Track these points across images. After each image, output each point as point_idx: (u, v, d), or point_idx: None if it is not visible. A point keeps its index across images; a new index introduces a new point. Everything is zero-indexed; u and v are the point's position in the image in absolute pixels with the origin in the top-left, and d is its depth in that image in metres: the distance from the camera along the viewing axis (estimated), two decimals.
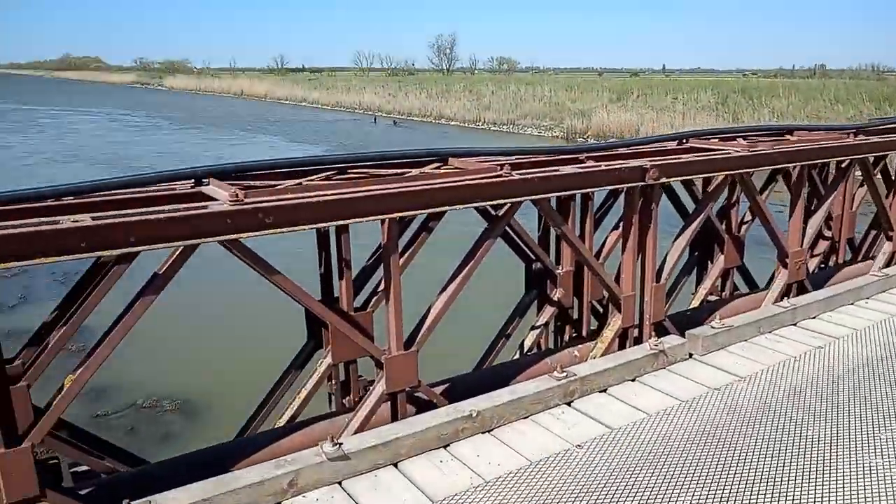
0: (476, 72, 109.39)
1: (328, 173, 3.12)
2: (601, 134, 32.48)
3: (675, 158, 3.94)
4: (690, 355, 4.00)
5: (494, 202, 3.16)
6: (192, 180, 2.86)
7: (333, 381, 3.66)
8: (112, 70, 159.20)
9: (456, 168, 3.35)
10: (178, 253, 2.44)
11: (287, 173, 3.07)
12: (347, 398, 3.67)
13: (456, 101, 45.86)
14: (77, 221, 2.19)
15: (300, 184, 2.83)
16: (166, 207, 2.40)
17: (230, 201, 2.46)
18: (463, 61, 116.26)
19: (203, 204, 2.49)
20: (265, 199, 2.54)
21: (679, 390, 3.59)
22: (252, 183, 2.85)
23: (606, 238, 4.30)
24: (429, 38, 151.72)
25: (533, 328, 4.37)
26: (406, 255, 3.31)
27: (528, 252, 4.15)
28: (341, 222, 2.76)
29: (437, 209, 2.98)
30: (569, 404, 3.39)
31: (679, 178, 3.96)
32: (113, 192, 2.65)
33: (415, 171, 3.22)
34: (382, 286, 3.49)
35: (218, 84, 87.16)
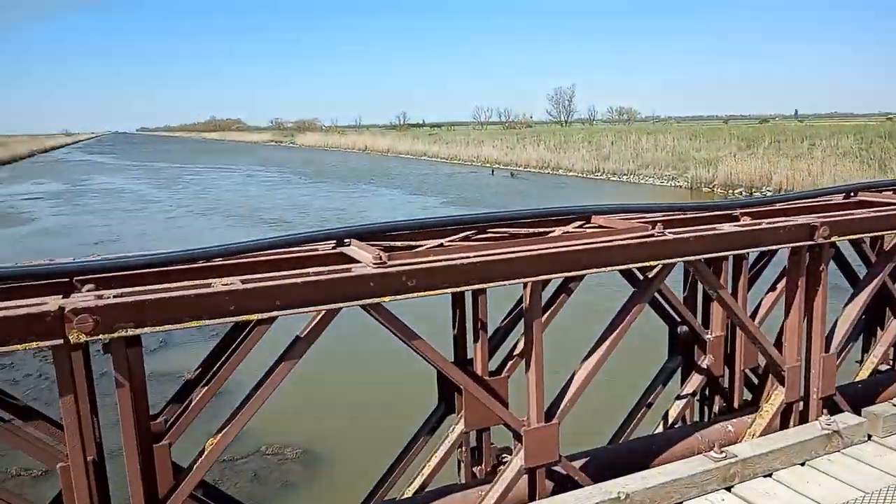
0: (594, 122, 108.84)
1: (467, 233, 3.01)
2: (728, 184, 30.98)
3: (846, 214, 3.51)
4: (869, 437, 3.49)
5: (645, 264, 2.92)
6: (334, 241, 2.84)
7: (464, 448, 3.47)
8: (251, 130, 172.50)
9: (600, 227, 3.15)
10: (321, 317, 2.39)
11: (426, 233, 2.99)
12: (479, 468, 3.46)
13: (574, 152, 45.59)
14: (227, 285, 2.19)
15: (441, 245, 2.73)
16: (310, 270, 2.37)
17: (373, 264, 2.40)
18: (581, 112, 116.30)
19: (346, 266, 2.44)
20: (408, 261, 2.47)
21: (860, 480, 3.11)
22: (392, 244, 2.79)
23: (761, 300, 3.90)
24: (547, 90, 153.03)
25: (678, 398, 4.00)
26: (544, 317, 3.11)
27: (674, 314, 3.82)
28: (484, 286, 2.62)
29: (583, 272, 2.78)
30: (728, 489, 3.01)
31: (852, 237, 3.52)
32: (257, 253, 2.67)
33: (557, 231, 3.05)
34: (518, 350, 3.31)
35: (343, 140, 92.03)
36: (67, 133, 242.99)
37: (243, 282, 2.22)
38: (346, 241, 2.81)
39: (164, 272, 2.49)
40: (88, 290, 2.29)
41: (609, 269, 2.81)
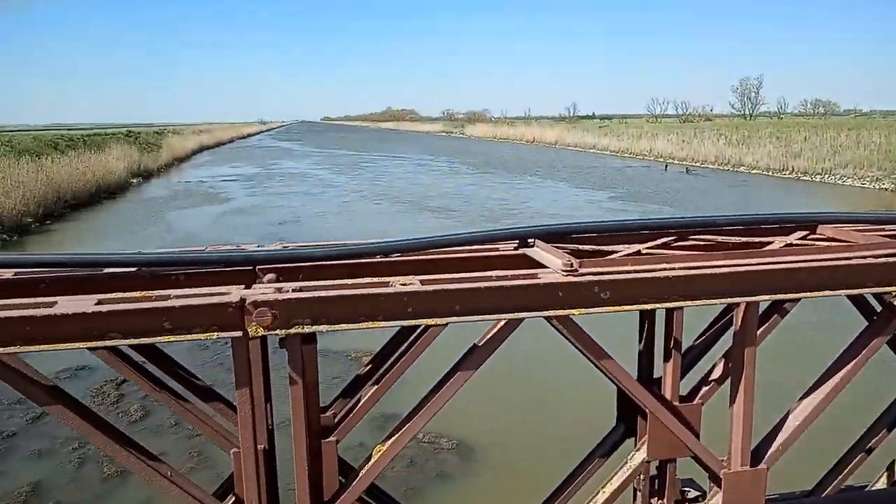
0: (783, 116, 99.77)
1: (666, 239, 2.66)
2: None
3: None
4: None
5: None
6: (517, 241, 2.62)
7: (643, 477, 3.11)
8: (423, 120, 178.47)
9: (831, 239, 2.64)
10: (501, 325, 2.18)
11: (619, 237, 2.69)
12: (659, 502, 3.08)
13: (759, 147, 42.03)
14: (406, 285, 2.05)
15: (638, 252, 2.40)
16: (493, 274, 2.16)
17: (563, 270, 2.15)
18: (770, 105, 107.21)
19: (531, 272, 2.21)
20: (602, 269, 2.18)
21: None
22: (581, 247, 2.52)
23: None
24: (731, 82, 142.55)
25: None
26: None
27: None
28: (690, 303, 2.25)
29: (813, 294, 2.31)
30: None
31: None
32: (436, 251, 2.54)
33: (776, 243, 2.59)
34: (715, 374, 2.88)
35: (512, 131, 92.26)
36: (262, 121, 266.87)
37: (423, 283, 2.07)
38: (529, 241, 2.59)
39: (343, 265, 2.44)
40: (269, 281, 2.29)
41: (848, 291, 2.33)
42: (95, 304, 1.83)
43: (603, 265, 2.22)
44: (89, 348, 1.85)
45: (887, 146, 34.70)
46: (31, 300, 1.88)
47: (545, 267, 2.27)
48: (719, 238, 2.71)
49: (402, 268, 2.42)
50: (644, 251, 2.46)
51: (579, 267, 2.15)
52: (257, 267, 2.35)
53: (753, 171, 39.85)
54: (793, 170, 37.33)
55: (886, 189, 30.43)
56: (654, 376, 2.96)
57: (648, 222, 2.78)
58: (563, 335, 2.22)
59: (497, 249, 2.61)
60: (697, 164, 44.74)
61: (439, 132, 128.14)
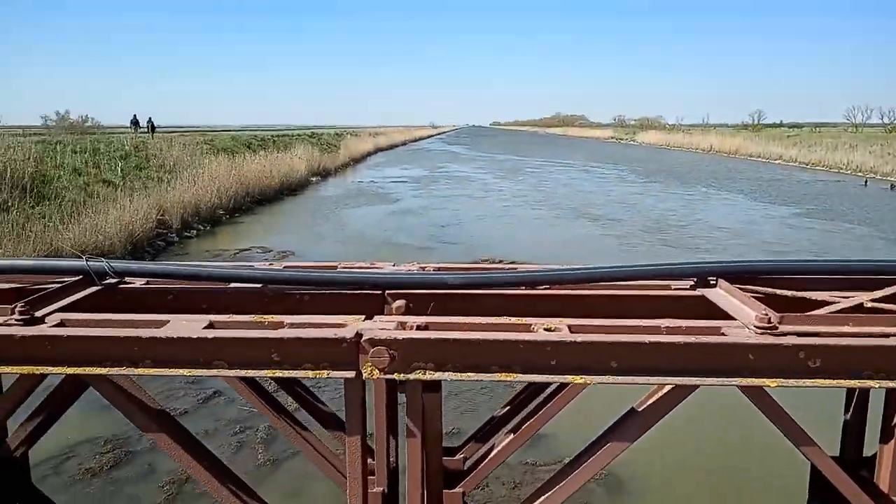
0: None
1: (893, 289, 2.05)
2: None
3: None
4: None
5: None
6: (693, 279, 2.18)
7: None
8: (592, 126, 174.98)
9: None
10: (669, 390, 1.75)
11: (825, 282, 2.15)
12: None
13: None
14: (552, 331, 1.71)
15: (861, 306, 1.85)
16: (662, 324, 1.74)
17: (758, 327, 1.68)
18: None
19: (713, 324, 1.76)
20: (810, 328, 1.68)
21: None
22: (776, 292, 2.02)
23: None
24: None
25: None
26: None
27: None
28: None
29: None
30: None
31: None
32: (592, 285, 2.17)
33: None
34: None
35: (687, 139, 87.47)
36: (433, 125, 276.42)
37: (572, 329, 1.71)
38: (710, 280, 2.14)
39: (481, 296, 2.16)
40: (398, 309, 2.10)
41: None
42: (205, 328, 1.69)
43: (811, 322, 1.71)
44: (195, 375, 1.72)
45: None
46: (146, 317, 1.79)
47: (731, 318, 1.81)
48: None
49: (550, 304, 2.09)
50: (868, 304, 1.89)
51: (779, 323, 1.66)
52: (386, 292, 2.15)
53: None
54: None
55: None
56: (863, 455, 2.37)
57: (868, 264, 2.19)
58: (753, 404, 1.75)
59: (668, 287, 2.19)
60: None
61: (609, 138, 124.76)
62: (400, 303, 2.12)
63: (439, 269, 2.44)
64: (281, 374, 1.66)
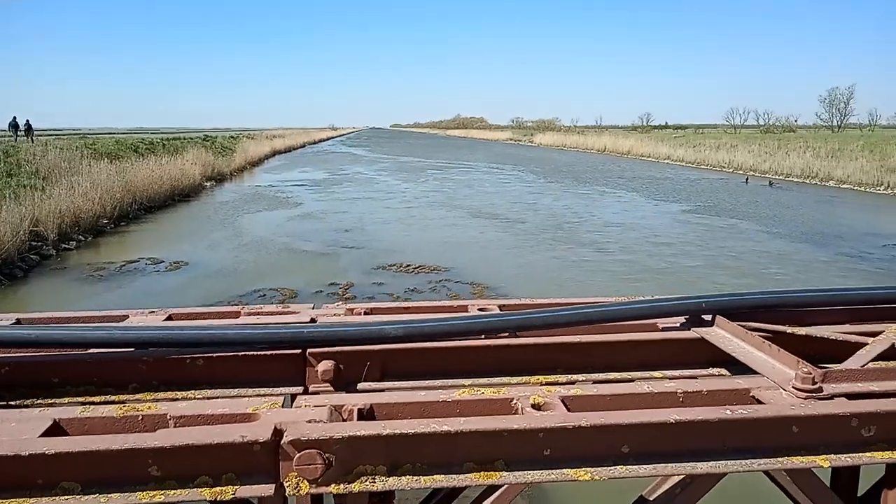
0: (875, 128, 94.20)
1: None
2: None
3: None
4: None
5: None
6: (684, 316, 1.87)
7: None
8: (492, 128, 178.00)
9: None
10: (694, 477, 1.43)
11: (836, 315, 1.90)
12: None
13: (851, 161, 39.44)
14: (541, 409, 1.34)
15: (892, 347, 1.61)
16: (677, 389, 1.42)
17: (800, 389, 1.38)
18: (860, 116, 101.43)
19: (739, 385, 1.44)
20: (860, 386, 1.40)
21: None
22: (784, 329, 1.73)
23: None
24: (819, 91, 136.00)
25: None
26: None
27: None
28: None
29: None
30: None
31: None
32: (565, 330, 1.76)
33: None
34: None
35: (582, 140, 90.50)
36: (333, 127, 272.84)
37: (567, 403, 1.37)
38: (705, 316, 1.84)
39: (433, 349, 1.67)
40: (325, 375, 1.60)
41: None
42: (44, 433, 1.21)
43: (858, 377, 1.41)
44: None
45: None
46: None
47: (749, 370, 1.49)
48: None
49: (521, 355, 1.69)
50: None
51: (822, 381, 1.36)
52: (308, 352, 1.64)
53: (843, 186, 37.40)
54: (888, 185, 34.80)
55: None
56: None
57: (872, 293, 1.91)
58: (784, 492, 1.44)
59: (656, 327, 1.85)
60: (781, 177, 42.41)
61: (508, 140, 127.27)
62: (327, 365, 1.63)
63: (373, 310, 2.00)
64: (163, 499, 1.14)
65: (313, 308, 1.98)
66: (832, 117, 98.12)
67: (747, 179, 41.79)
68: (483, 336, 1.69)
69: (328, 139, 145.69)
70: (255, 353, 1.63)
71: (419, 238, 20.61)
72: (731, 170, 49.23)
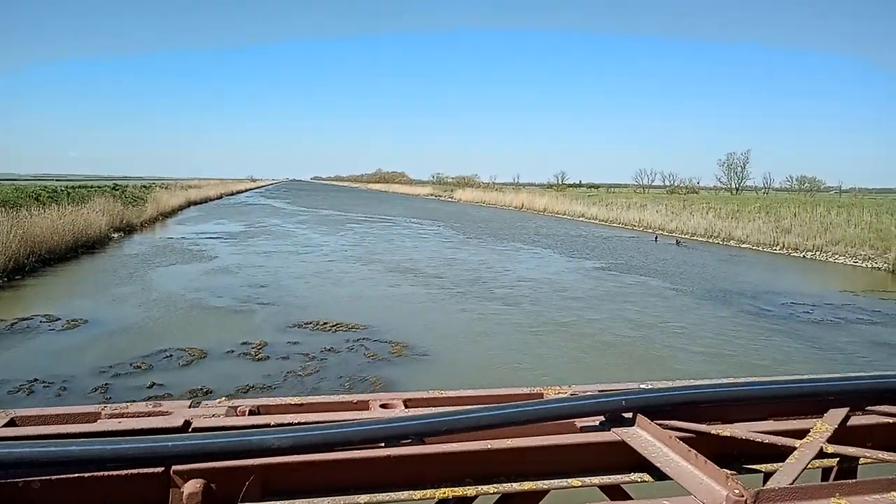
0: (769, 191, 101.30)
1: (836, 413, 1.78)
2: None
3: None
4: None
5: None
6: (602, 415, 1.75)
7: None
8: (413, 183, 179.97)
9: None
10: None
11: (752, 407, 1.85)
12: None
13: (749, 222, 42.06)
14: None
15: (821, 452, 1.57)
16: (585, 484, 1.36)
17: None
18: (756, 179, 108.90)
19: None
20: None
21: None
22: (708, 430, 1.66)
23: None
24: (718, 155, 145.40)
25: None
26: None
27: None
28: None
29: None
30: None
31: None
32: (465, 435, 1.61)
33: None
34: None
35: (501, 197, 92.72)
36: (252, 178, 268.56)
37: None
38: (625, 415, 1.74)
39: (345, 462, 1.50)
40: (191, 499, 1.37)
41: None
42: None
43: (794, 496, 1.31)
44: None
45: (878, 225, 34.72)
46: None
47: (686, 494, 1.38)
48: None
49: (424, 466, 1.53)
50: (829, 449, 1.56)
51: (755, 501, 1.26)
52: (173, 469, 1.40)
53: (743, 245, 39.73)
54: (783, 245, 37.22)
55: (879, 268, 30.19)
56: None
57: (794, 387, 1.85)
58: None
59: (573, 427, 1.73)
60: (687, 236, 44.65)
61: (428, 195, 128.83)
62: (194, 486, 1.38)
63: (260, 408, 1.77)
64: None
65: (190, 406, 1.75)
66: (730, 180, 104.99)
67: (657, 238, 43.75)
68: (383, 444, 1.52)
69: (246, 191, 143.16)
70: (107, 472, 1.38)
71: (337, 294, 20.28)
72: (641, 228, 51.48)
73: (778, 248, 37.38)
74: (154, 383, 11.09)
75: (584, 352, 14.07)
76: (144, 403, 1.75)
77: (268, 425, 1.61)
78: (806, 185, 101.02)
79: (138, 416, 1.66)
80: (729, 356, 13.92)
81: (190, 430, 1.59)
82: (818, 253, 34.65)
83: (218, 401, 1.81)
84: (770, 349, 14.67)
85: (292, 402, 1.80)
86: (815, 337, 16.04)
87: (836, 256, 33.38)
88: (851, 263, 31.94)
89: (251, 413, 1.75)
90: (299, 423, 1.62)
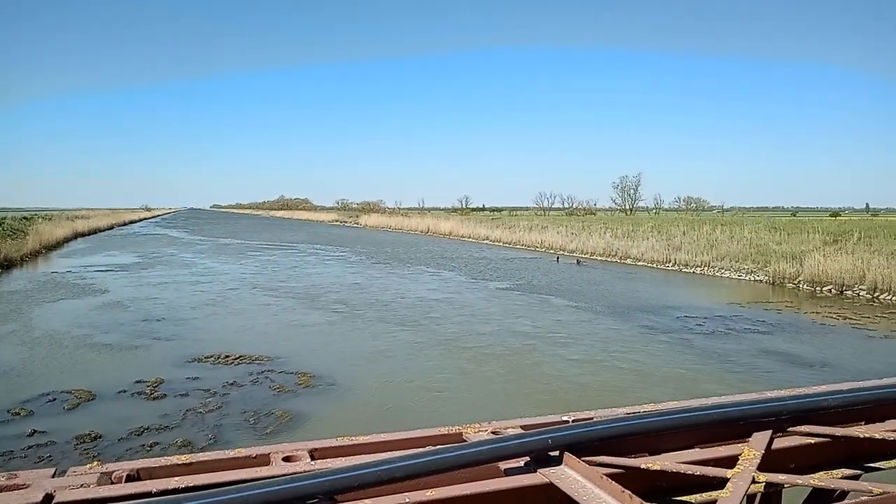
0: (659, 211, 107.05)
1: (766, 434, 1.80)
2: (816, 280, 28.96)
3: None
4: None
5: None
6: (527, 456, 1.66)
7: None
8: (317, 209, 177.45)
9: None
10: None
11: (678, 436, 1.83)
12: None
13: (643, 240, 44.19)
14: None
15: (753, 481, 1.55)
16: None
17: None
18: (647, 200, 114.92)
19: None
20: None
21: None
22: (637, 465, 1.63)
23: None
24: (612, 178, 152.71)
25: None
26: None
27: None
28: None
29: None
30: None
31: None
32: (399, 486, 1.48)
33: None
34: None
35: (406, 222, 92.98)
36: (147, 208, 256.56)
37: None
38: (552, 453, 1.66)
39: None
40: None
41: None
42: None
43: None
44: None
45: (757, 241, 37.34)
46: None
47: None
48: (838, 431, 1.87)
49: None
50: (761, 478, 1.55)
51: None
52: None
53: (639, 263, 41.62)
54: (675, 262, 39.29)
55: (760, 281, 32.39)
56: None
57: (719, 412, 1.84)
58: None
59: (498, 471, 1.62)
60: (587, 256, 46.31)
61: (333, 221, 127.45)
62: None
63: (140, 471, 1.54)
64: None
65: (54, 475, 1.48)
66: (624, 201, 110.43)
67: (558, 258, 45.13)
68: None
69: (141, 220, 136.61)
70: None
71: (238, 325, 19.54)
72: (543, 249, 52.98)
73: (670, 264, 39.42)
74: (35, 430, 10.21)
75: (482, 365, 14.21)
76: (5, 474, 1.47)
77: (148, 494, 1.41)
78: (692, 204, 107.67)
79: None
80: (630, 369, 14.43)
81: None
82: (706, 268, 36.81)
83: (89, 466, 1.55)
84: (666, 359, 15.34)
85: (179, 462, 1.57)
86: (707, 347, 16.93)
87: (723, 271, 35.57)
88: (736, 277, 34.11)
89: (129, 479, 1.50)
90: (187, 489, 1.43)
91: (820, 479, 1.66)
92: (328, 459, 1.65)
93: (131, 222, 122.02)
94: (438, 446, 1.60)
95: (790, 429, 1.88)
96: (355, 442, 1.74)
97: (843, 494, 1.95)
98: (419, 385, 13.10)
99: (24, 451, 9.44)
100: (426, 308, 22.57)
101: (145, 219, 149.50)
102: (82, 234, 71.79)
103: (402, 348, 16.29)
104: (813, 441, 1.85)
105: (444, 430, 1.85)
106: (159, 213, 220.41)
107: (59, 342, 16.75)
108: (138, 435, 10.14)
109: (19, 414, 11.02)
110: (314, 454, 1.67)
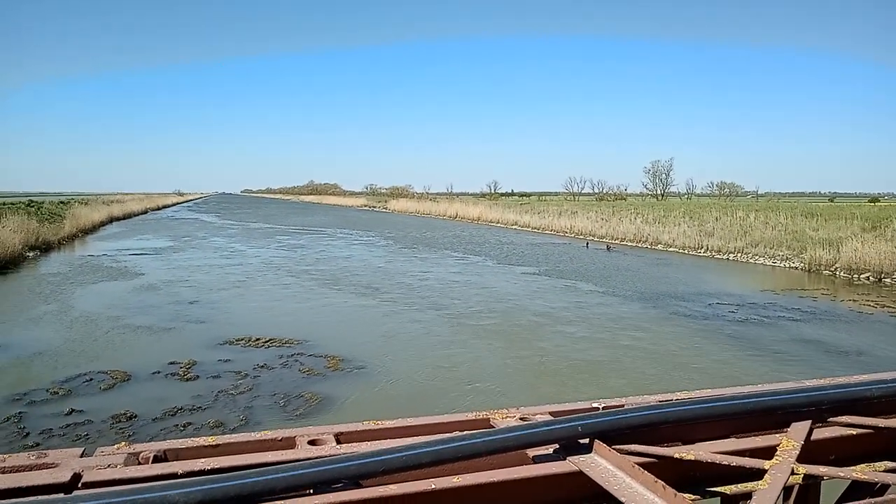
0: (692, 196, 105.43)
1: (798, 427, 1.72)
2: (854, 268, 28.29)
3: None
4: None
5: None
6: (556, 443, 1.61)
7: None
8: (346, 194, 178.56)
9: None
10: None
11: (713, 426, 1.76)
12: None
13: (675, 226, 43.56)
14: None
15: (792, 472, 1.49)
16: None
17: None
18: (679, 185, 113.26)
19: None
20: None
21: None
22: (671, 455, 1.57)
23: None
24: (644, 163, 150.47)
25: None
26: None
27: None
28: None
29: None
30: None
31: None
32: (416, 472, 1.45)
33: None
34: None
35: (434, 207, 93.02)
36: (179, 193, 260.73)
37: None
38: (582, 440, 1.61)
39: None
40: None
41: None
42: None
43: None
44: None
45: (793, 227, 36.54)
46: None
47: None
48: (881, 423, 1.79)
49: None
50: (800, 469, 1.49)
51: None
52: None
53: (670, 249, 41.07)
54: (707, 248, 38.67)
55: (796, 268, 31.75)
56: None
57: (757, 401, 1.76)
58: None
59: (526, 458, 1.59)
60: (616, 242, 45.85)
61: (362, 206, 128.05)
62: None
63: (167, 452, 1.55)
64: None
65: (82, 455, 1.48)
66: (656, 186, 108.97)
67: (587, 244, 44.75)
68: (311, 491, 1.33)
69: (174, 205, 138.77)
70: None
71: (269, 308, 19.78)
72: (572, 235, 52.58)
73: (702, 251, 38.82)
74: (73, 409, 10.47)
75: (519, 353, 14.17)
76: (27, 454, 1.47)
77: (175, 475, 1.41)
78: (725, 190, 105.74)
79: (17, 472, 1.39)
80: (665, 356, 14.28)
81: (80, 485, 1.36)
82: (740, 255, 36.18)
83: (116, 446, 1.55)
84: (698, 347, 15.14)
85: (205, 444, 1.57)
86: (740, 334, 16.66)
87: (757, 257, 34.92)
88: (771, 264, 33.47)
89: (156, 460, 1.51)
90: (213, 470, 1.43)
91: (861, 471, 1.59)
92: (353, 443, 1.63)
93: (164, 207, 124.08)
94: (465, 432, 1.57)
95: (830, 419, 1.81)
96: (381, 426, 1.73)
97: (885, 488, 1.88)
98: (455, 376, 13.10)
99: (62, 429, 9.69)
100: (455, 291, 22.56)
101: (178, 203, 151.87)
102: (117, 219, 73.27)
103: (431, 337, 16.26)
104: (854, 432, 1.77)
105: (471, 416, 1.82)
106: (191, 197, 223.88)
107: (96, 323, 17.13)
108: (172, 415, 10.33)
109: (58, 393, 11.31)
110: (339, 438, 1.66)
